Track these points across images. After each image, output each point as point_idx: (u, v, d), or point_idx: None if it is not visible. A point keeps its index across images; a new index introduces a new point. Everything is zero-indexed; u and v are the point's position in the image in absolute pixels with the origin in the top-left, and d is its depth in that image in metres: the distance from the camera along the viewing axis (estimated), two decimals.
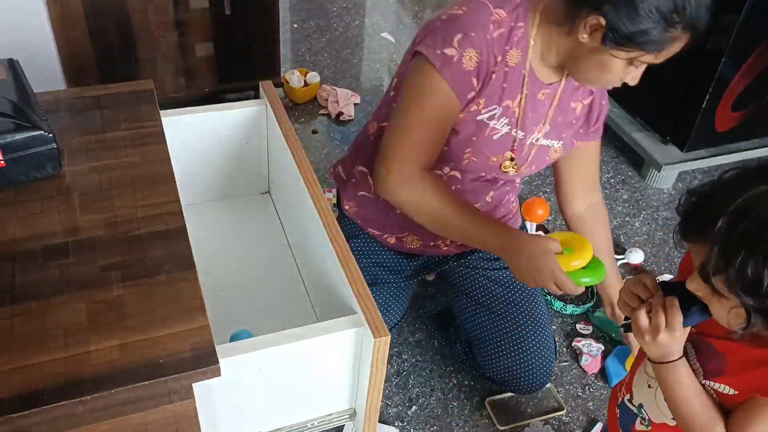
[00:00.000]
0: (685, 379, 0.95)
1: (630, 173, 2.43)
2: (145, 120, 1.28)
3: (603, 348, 1.77)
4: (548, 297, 1.90)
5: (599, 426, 1.59)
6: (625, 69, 1.16)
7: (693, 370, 0.96)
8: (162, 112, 1.33)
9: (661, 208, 2.29)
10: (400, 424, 1.58)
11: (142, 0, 2.10)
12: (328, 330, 1.04)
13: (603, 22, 1.09)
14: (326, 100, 2.57)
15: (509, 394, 1.64)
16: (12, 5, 1.93)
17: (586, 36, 1.13)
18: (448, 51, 1.17)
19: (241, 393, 1.05)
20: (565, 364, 1.75)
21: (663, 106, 2.34)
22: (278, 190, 1.64)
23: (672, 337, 0.91)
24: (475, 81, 1.21)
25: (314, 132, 2.46)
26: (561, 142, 1.39)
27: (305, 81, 2.57)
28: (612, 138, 2.54)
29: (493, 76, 1.23)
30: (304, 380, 1.10)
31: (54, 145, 1.10)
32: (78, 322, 0.91)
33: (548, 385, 1.66)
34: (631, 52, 1.11)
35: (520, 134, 1.33)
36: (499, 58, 1.21)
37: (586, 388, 1.70)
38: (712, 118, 2.22)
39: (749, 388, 0.90)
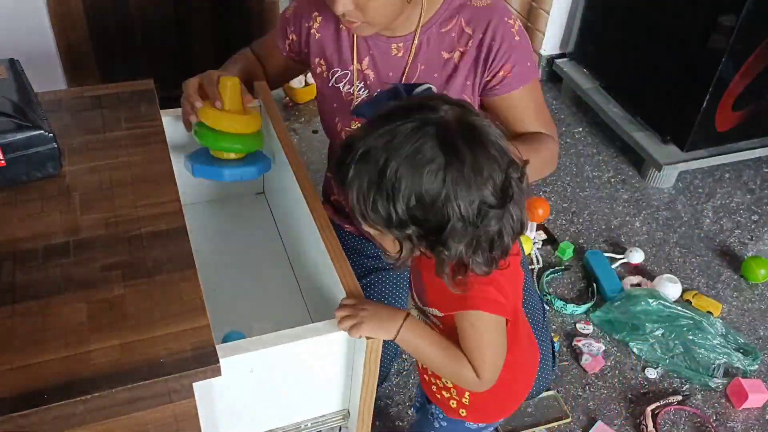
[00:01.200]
0: (416, 341, 1.01)
1: (630, 173, 2.43)
2: (146, 120, 1.28)
3: (603, 348, 1.77)
4: (549, 296, 1.90)
5: (599, 425, 1.59)
6: None
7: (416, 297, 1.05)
8: (162, 112, 1.33)
9: (662, 207, 2.29)
10: (401, 424, 1.58)
11: None
12: (322, 331, 1.04)
13: None
14: None
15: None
16: (13, 5, 1.93)
17: None
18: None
19: (239, 394, 1.05)
20: (565, 363, 1.75)
21: (663, 106, 2.34)
22: (273, 191, 1.64)
23: (359, 327, 0.99)
24: (288, 29, 1.35)
25: (315, 132, 2.46)
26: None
27: (305, 81, 2.57)
28: (612, 137, 2.54)
29: (314, 33, 1.30)
30: (296, 381, 1.10)
31: (54, 144, 1.10)
32: (78, 321, 0.91)
33: (552, 393, 1.65)
34: None
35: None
36: (316, 14, 1.29)
37: (587, 387, 1.70)
38: (713, 117, 2.22)
39: (450, 308, 0.97)
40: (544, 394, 1.64)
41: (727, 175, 2.46)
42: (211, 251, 1.54)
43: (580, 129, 2.60)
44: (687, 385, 1.72)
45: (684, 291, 1.95)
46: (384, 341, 1.45)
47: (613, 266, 2.01)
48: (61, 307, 0.93)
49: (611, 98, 2.55)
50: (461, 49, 1.25)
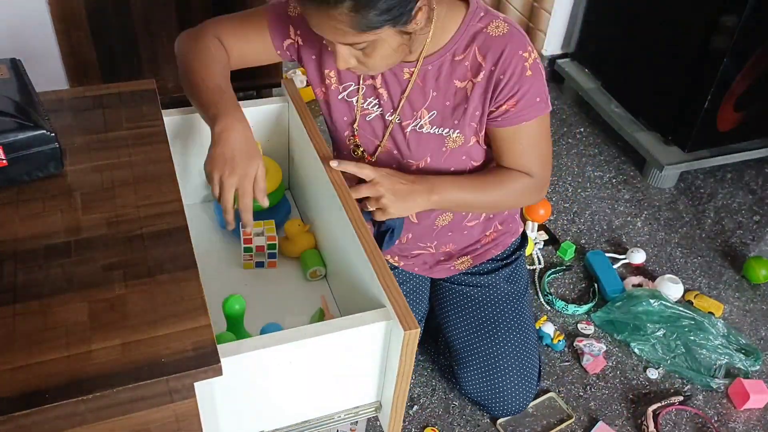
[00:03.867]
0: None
1: (632, 173, 2.43)
2: (148, 119, 1.28)
3: (605, 348, 1.77)
4: (550, 297, 1.90)
5: (600, 425, 1.59)
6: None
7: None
8: (164, 111, 1.33)
9: (663, 208, 2.29)
10: (401, 424, 1.58)
11: None
12: (358, 323, 1.04)
13: None
14: None
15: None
16: (14, 5, 1.93)
17: None
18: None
19: (242, 392, 1.05)
20: (566, 364, 1.75)
21: (665, 106, 2.33)
22: (299, 187, 1.63)
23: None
24: (292, 30, 1.29)
25: None
26: (458, 130, 1.27)
27: (307, 81, 2.57)
28: (614, 137, 2.54)
29: (327, 46, 1.23)
30: (332, 373, 1.11)
31: (56, 144, 1.10)
32: (80, 321, 0.91)
33: (551, 394, 1.65)
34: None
35: (396, 119, 1.28)
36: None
37: (588, 388, 1.70)
38: (714, 118, 2.22)
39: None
40: (542, 397, 1.64)
41: (728, 176, 2.46)
42: (237, 247, 1.54)
43: (582, 129, 2.59)
44: (688, 386, 1.72)
45: (685, 291, 1.95)
46: None
47: (615, 266, 2.01)
48: (63, 307, 0.93)
49: (613, 98, 2.55)
50: (474, 80, 1.23)
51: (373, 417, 1.23)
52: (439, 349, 1.69)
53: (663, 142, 2.36)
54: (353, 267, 1.23)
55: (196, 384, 0.90)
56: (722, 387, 1.72)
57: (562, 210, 2.24)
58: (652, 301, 1.81)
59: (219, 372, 0.89)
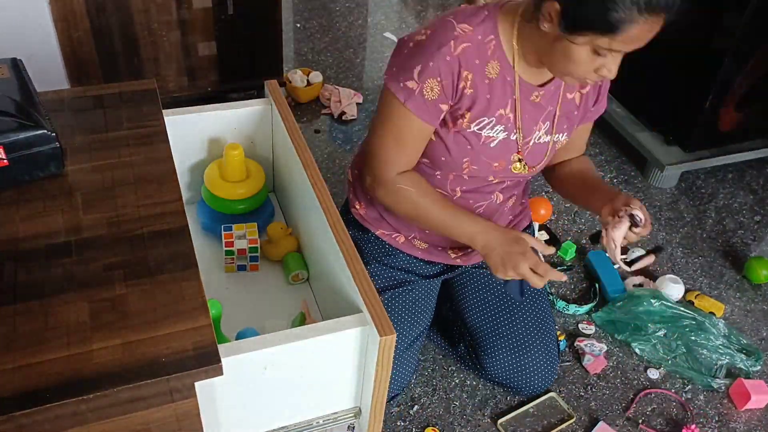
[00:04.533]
0: None
1: (633, 173, 2.43)
2: (148, 119, 1.28)
3: (605, 348, 1.77)
4: (551, 296, 1.90)
5: (601, 425, 1.59)
6: (592, 58, 1.14)
7: None
8: (164, 111, 1.34)
9: (664, 208, 2.29)
10: (402, 424, 1.58)
11: None
12: (334, 329, 1.04)
13: (558, 6, 1.10)
14: (329, 99, 2.57)
15: (516, 411, 1.61)
16: (15, 5, 1.93)
17: (546, 24, 1.14)
18: (410, 84, 1.23)
19: (243, 392, 1.05)
20: (567, 364, 1.75)
21: (666, 107, 2.33)
22: (282, 189, 1.64)
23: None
24: (442, 105, 1.26)
25: (317, 132, 2.46)
26: (565, 134, 1.41)
27: (308, 80, 2.57)
28: (615, 138, 2.53)
29: (466, 91, 1.25)
30: (309, 379, 1.10)
31: (57, 144, 1.10)
32: (80, 320, 0.91)
33: (551, 394, 1.64)
34: (587, 35, 1.10)
35: (521, 137, 1.34)
36: (466, 74, 1.23)
37: (588, 388, 1.69)
38: (715, 118, 2.22)
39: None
40: (543, 396, 1.64)
41: (729, 176, 2.45)
42: (218, 250, 1.55)
43: None
44: (689, 386, 1.72)
45: (686, 291, 1.95)
46: (403, 357, 1.46)
47: (616, 267, 2.01)
48: (63, 307, 0.93)
49: (614, 98, 2.54)
50: (582, 91, 1.37)
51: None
52: (454, 339, 1.70)
53: (664, 142, 2.36)
54: (333, 271, 1.23)
55: (196, 384, 0.90)
56: (723, 387, 1.72)
57: (563, 210, 2.24)
58: (653, 301, 1.81)
59: (219, 372, 0.89)
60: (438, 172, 1.40)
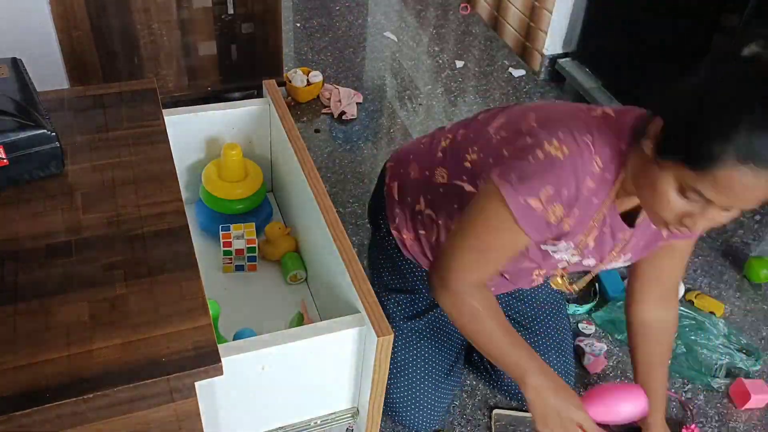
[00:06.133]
0: None
1: None
2: (148, 119, 1.28)
3: (606, 348, 1.77)
4: None
5: None
6: (678, 199, 0.95)
7: None
8: (165, 111, 1.34)
9: None
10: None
11: None
12: (331, 329, 1.04)
13: (661, 123, 0.94)
14: (329, 99, 2.57)
15: (516, 413, 1.61)
16: (15, 4, 1.93)
17: (647, 143, 0.96)
18: (533, 203, 1.05)
19: (241, 392, 1.05)
20: None
21: None
22: (281, 189, 1.64)
23: None
24: (555, 229, 1.12)
25: (317, 131, 2.46)
26: (633, 256, 1.26)
27: (308, 80, 2.57)
28: None
29: (564, 227, 1.12)
30: (307, 379, 1.10)
31: (57, 143, 1.10)
32: (81, 320, 0.91)
33: None
34: (672, 161, 0.92)
35: (590, 262, 1.23)
36: (576, 210, 1.09)
37: (589, 387, 1.69)
38: None
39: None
40: None
41: None
42: (216, 250, 1.55)
43: None
44: (689, 386, 1.72)
45: (686, 291, 1.95)
46: (440, 388, 1.45)
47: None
48: (63, 306, 0.93)
49: (614, 98, 2.54)
50: None
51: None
52: (470, 347, 1.64)
53: None
54: (331, 271, 1.23)
55: (196, 384, 0.90)
56: (723, 387, 1.72)
57: None
58: None
59: (219, 371, 0.89)
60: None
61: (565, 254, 1.19)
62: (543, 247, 1.18)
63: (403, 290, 1.48)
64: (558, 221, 1.09)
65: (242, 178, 1.56)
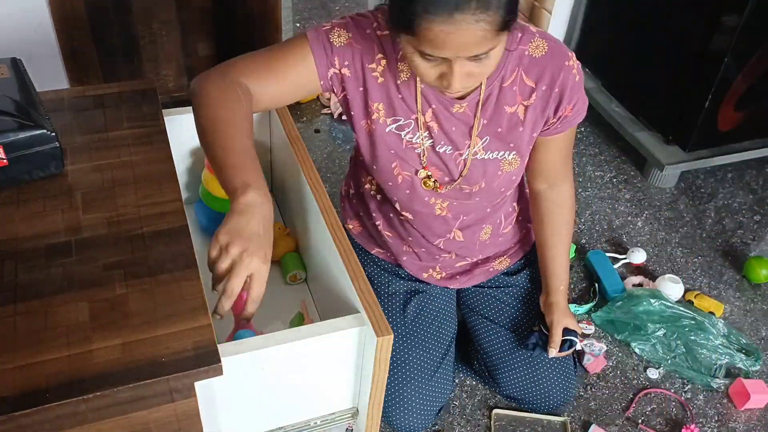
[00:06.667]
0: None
1: (632, 173, 2.43)
2: (148, 119, 1.28)
3: (605, 348, 1.77)
4: None
5: (594, 428, 1.59)
6: (422, 62, 1.02)
7: None
8: (164, 111, 1.34)
9: (664, 207, 2.29)
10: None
11: None
12: (330, 329, 1.04)
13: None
14: (328, 99, 2.57)
15: (516, 413, 1.60)
16: (15, 4, 1.93)
17: (383, 18, 1.12)
18: (324, 27, 1.18)
19: (243, 392, 1.05)
20: None
21: (665, 106, 2.33)
22: (281, 189, 1.64)
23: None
24: (337, 60, 1.17)
25: (316, 131, 2.46)
26: (514, 152, 1.28)
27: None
28: (614, 137, 2.53)
29: (377, 76, 1.19)
30: (307, 379, 1.10)
31: (57, 144, 1.10)
32: (80, 320, 0.91)
33: (564, 418, 1.61)
34: (403, 35, 1.00)
35: (447, 149, 1.26)
36: (380, 57, 1.17)
37: (588, 387, 1.69)
38: (715, 117, 2.22)
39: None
40: (555, 418, 1.60)
41: (729, 175, 2.45)
42: None
43: (582, 128, 2.59)
44: (689, 386, 1.72)
45: (686, 291, 1.95)
46: (432, 380, 1.45)
47: (615, 266, 2.01)
48: (63, 307, 0.93)
49: (613, 98, 2.55)
50: (525, 103, 1.23)
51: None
52: (469, 354, 1.65)
53: (663, 141, 2.36)
54: (331, 271, 1.23)
55: (196, 384, 0.90)
56: (723, 387, 1.72)
57: None
58: (652, 300, 1.81)
59: (219, 372, 0.89)
60: (379, 196, 1.39)
61: (413, 137, 1.24)
62: (387, 129, 1.23)
63: (379, 294, 1.50)
64: (342, 49, 1.16)
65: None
